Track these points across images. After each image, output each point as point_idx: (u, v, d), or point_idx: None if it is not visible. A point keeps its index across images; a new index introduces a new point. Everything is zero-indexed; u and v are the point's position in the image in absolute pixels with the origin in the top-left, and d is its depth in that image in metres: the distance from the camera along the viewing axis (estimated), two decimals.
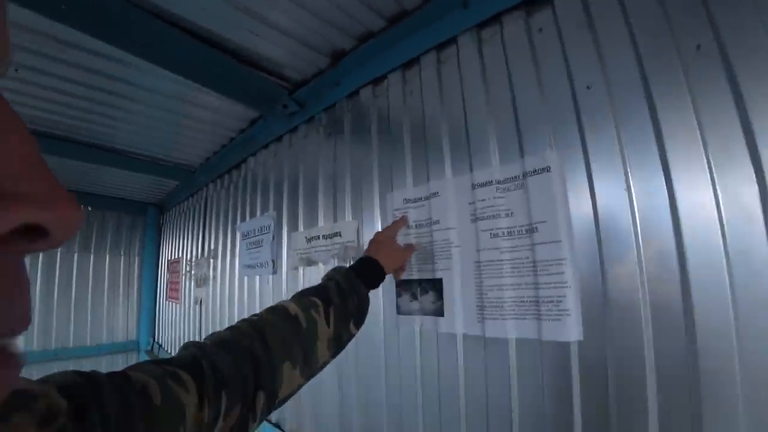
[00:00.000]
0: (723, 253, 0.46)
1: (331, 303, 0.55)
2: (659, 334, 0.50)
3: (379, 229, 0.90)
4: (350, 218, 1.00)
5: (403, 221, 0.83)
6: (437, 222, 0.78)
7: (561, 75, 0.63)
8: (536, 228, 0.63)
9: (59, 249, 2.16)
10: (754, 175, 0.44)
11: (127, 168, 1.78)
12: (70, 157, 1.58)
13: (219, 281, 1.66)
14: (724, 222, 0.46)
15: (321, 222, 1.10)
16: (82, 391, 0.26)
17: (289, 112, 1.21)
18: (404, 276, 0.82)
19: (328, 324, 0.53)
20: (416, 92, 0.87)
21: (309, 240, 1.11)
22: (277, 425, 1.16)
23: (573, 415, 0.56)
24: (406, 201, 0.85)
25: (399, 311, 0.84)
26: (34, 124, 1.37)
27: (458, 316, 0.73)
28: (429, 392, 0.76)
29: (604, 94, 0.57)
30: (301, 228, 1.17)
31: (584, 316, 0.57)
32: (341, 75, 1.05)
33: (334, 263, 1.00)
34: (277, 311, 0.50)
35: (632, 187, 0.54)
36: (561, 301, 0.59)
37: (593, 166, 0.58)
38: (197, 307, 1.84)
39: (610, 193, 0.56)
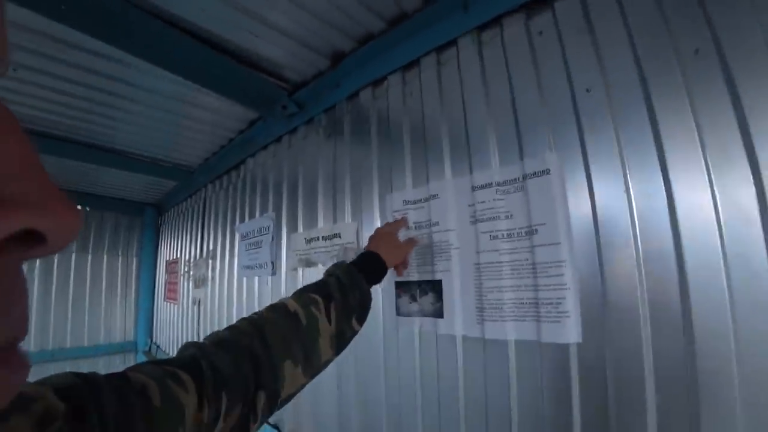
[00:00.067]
0: (721, 254, 0.46)
1: (331, 299, 0.54)
2: (658, 336, 0.50)
3: None
4: (350, 219, 1.00)
5: (403, 221, 0.83)
6: (437, 223, 0.78)
7: (561, 77, 0.63)
8: (536, 230, 0.63)
9: None
10: (751, 177, 0.45)
11: (126, 168, 1.78)
12: (70, 158, 1.57)
13: (218, 282, 1.66)
14: (722, 223, 0.46)
15: (320, 223, 1.10)
16: (80, 393, 0.26)
17: (289, 114, 1.21)
18: (404, 276, 0.82)
19: (329, 320, 0.52)
20: (416, 94, 0.87)
21: (308, 241, 1.11)
22: (275, 427, 1.15)
23: (572, 416, 0.56)
24: (406, 202, 0.85)
25: (398, 312, 0.84)
26: (33, 124, 1.36)
27: (458, 318, 0.73)
28: (428, 394, 0.76)
29: (604, 97, 0.58)
30: (300, 229, 1.17)
31: (583, 318, 0.57)
32: (341, 76, 1.05)
33: None
34: (277, 309, 0.50)
35: (631, 189, 0.54)
36: (560, 303, 0.59)
37: (592, 168, 0.58)
38: (195, 308, 1.83)
39: (609, 194, 0.56)
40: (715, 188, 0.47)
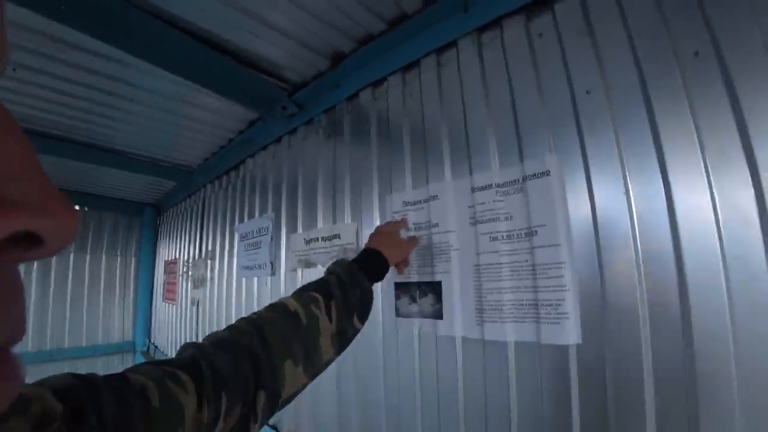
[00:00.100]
0: (720, 256, 0.46)
1: (332, 297, 0.53)
2: (657, 337, 0.50)
3: None
4: (349, 220, 1.00)
5: (403, 222, 0.83)
6: (436, 225, 0.78)
7: (561, 79, 0.63)
8: (535, 231, 0.63)
9: None
10: (750, 178, 0.45)
11: (126, 169, 1.78)
12: (70, 158, 1.57)
13: (216, 282, 1.65)
14: (721, 225, 0.46)
15: (320, 224, 1.09)
16: (79, 394, 0.26)
17: (289, 114, 1.21)
18: (404, 276, 0.82)
19: (330, 319, 0.51)
20: (416, 95, 0.87)
21: (308, 242, 1.11)
22: (274, 428, 1.15)
23: (571, 417, 0.56)
24: (406, 203, 0.85)
25: (398, 314, 0.83)
26: (33, 124, 1.36)
27: (457, 319, 0.73)
28: (428, 395, 0.76)
29: (603, 99, 0.58)
30: (299, 230, 1.17)
31: (583, 319, 0.57)
32: (341, 77, 1.05)
33: None
34: (277, 308, 0.49)
35: (631, 191, 0.54)
36: (560, 305, 0.59)
37: (592, 170, 0.58)
38: (194, 308, 1.83)
39: (608, 196, 0.56)
40: (714, 190, 0.47)
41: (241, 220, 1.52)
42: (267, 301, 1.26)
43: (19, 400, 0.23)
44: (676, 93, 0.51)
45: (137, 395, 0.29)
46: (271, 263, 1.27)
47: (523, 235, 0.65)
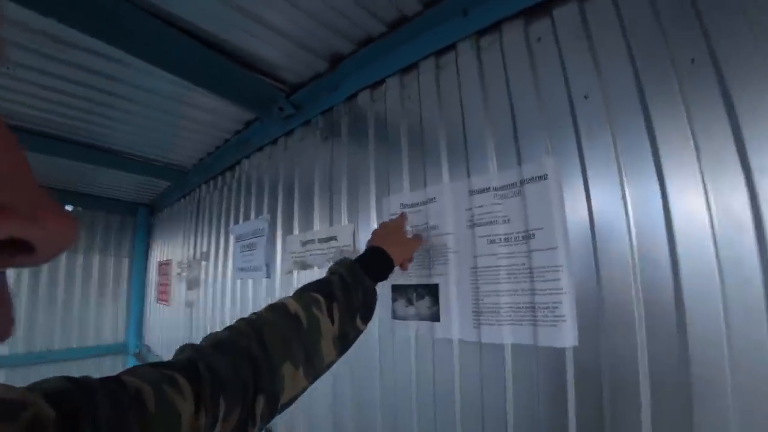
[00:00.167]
0: (715, 260, 0.47)
1: (334, 298, 0.52)
2: (653, 340, 0.51)
3: None
4: (346, 222, 1.00)
5: (404, 217, 0.81)
6: (434, 227, 0.78)
7: (559, 84, 0.64)
8: (533, 235, 0.63)
9: None
10: (744, 183, 0.45)
11: (122, 169, 1.76)
12: (69, 158, 1.56)
13: (211, 284, 1.64)
14: (716, 229, 0.47)
15: (317, 226, 1.09)
16: (72, 398, 0.25)
17: (286, 115, 1.20)
18: (400, 279, 0.82)
19: (332, 321, 0.50)
20: (414, 97, 0.87)
21: (304, 244, 1.11)
22: (268, 429, 1.14)
23: (567, 419, 0.57)
24: (403, 206, 0.85)
25: (394, 316, 0.83)
26: (30, 123, 1.35)
27: (454, 322, 0.73)
28: (424, 397, 0.76)
29: (601, 103, 0.58)
30: (296, 231, 1.16)
31: (579, 322, 0.58)
32: (339, 79, 1.05)
33: None
34: (277, 309, 0.48)
35: (627, 195, 0.54)
36: (557, 308, 0.59)
37: (589, 174, 0.59)
38: (188, 309, 1.81)
39: (605, 200, 0.57)
40: (709, 194, 0.48)
41: (237, 221, 1.51)
42: (262, 304, 1.25)
43: (9, 405, 0.22)
44: (672, 99, 0.51)
45: (133, 400, 0.29)
46: (267, 265, 1.26)
47: (520, 238, 0.65)
